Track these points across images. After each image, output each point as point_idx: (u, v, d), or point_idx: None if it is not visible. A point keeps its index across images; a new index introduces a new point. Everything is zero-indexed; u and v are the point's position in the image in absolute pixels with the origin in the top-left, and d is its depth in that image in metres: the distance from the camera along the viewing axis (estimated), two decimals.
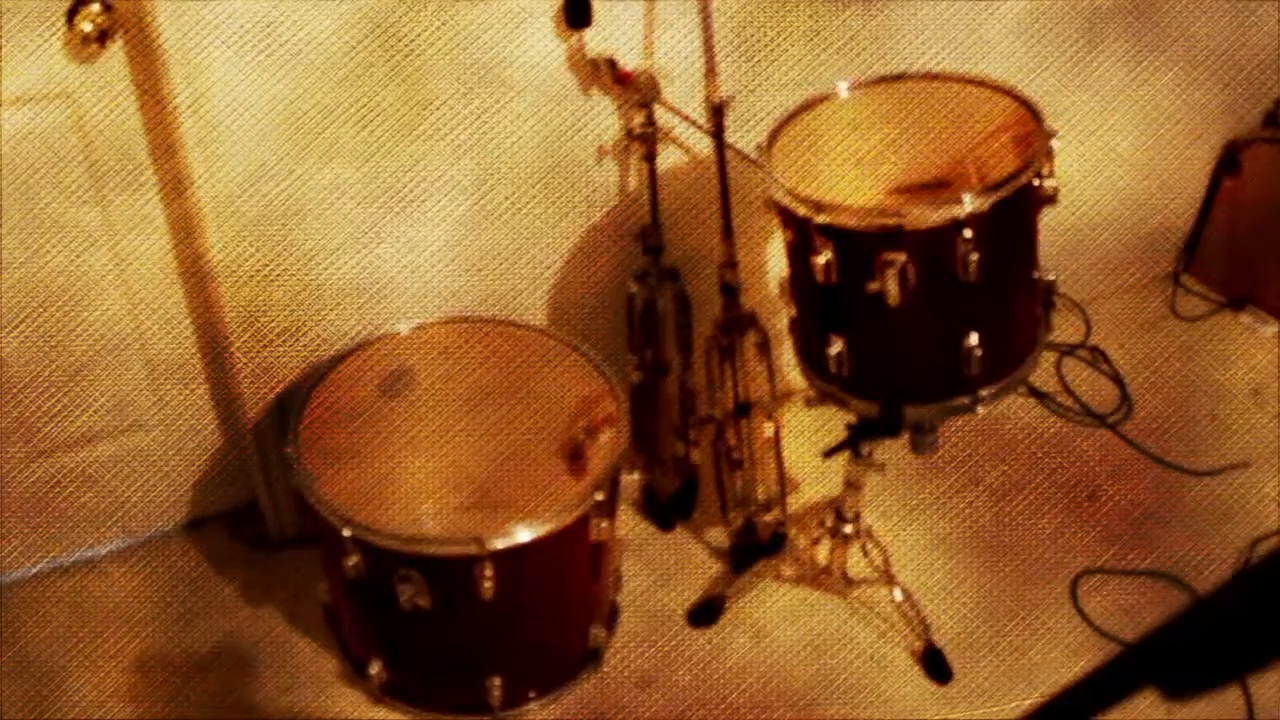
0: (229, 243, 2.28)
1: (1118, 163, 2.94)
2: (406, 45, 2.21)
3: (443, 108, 2.29)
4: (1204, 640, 0.93)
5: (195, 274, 2.36)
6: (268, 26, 2.11)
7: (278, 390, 2.43)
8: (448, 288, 2.46)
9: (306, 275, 2.35)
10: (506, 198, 2.43)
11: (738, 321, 2.38)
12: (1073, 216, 2.28)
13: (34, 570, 2.55)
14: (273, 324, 2.38)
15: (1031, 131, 2.07)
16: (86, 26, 2.09)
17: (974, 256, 1.95)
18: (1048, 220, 2.09)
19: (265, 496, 2.58)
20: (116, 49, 2.14)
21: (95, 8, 2.10)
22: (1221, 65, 2.93)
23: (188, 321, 2.43)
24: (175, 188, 2.26)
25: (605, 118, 2.42)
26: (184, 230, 2.31)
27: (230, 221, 2.26)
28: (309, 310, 2.39)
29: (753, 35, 2.41)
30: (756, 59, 2.43)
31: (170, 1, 2.03)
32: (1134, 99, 2.90)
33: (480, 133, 2.34)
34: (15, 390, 2.35)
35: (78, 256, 2.28)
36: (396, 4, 2.17)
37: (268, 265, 2.32)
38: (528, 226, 2.48)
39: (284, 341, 2.40)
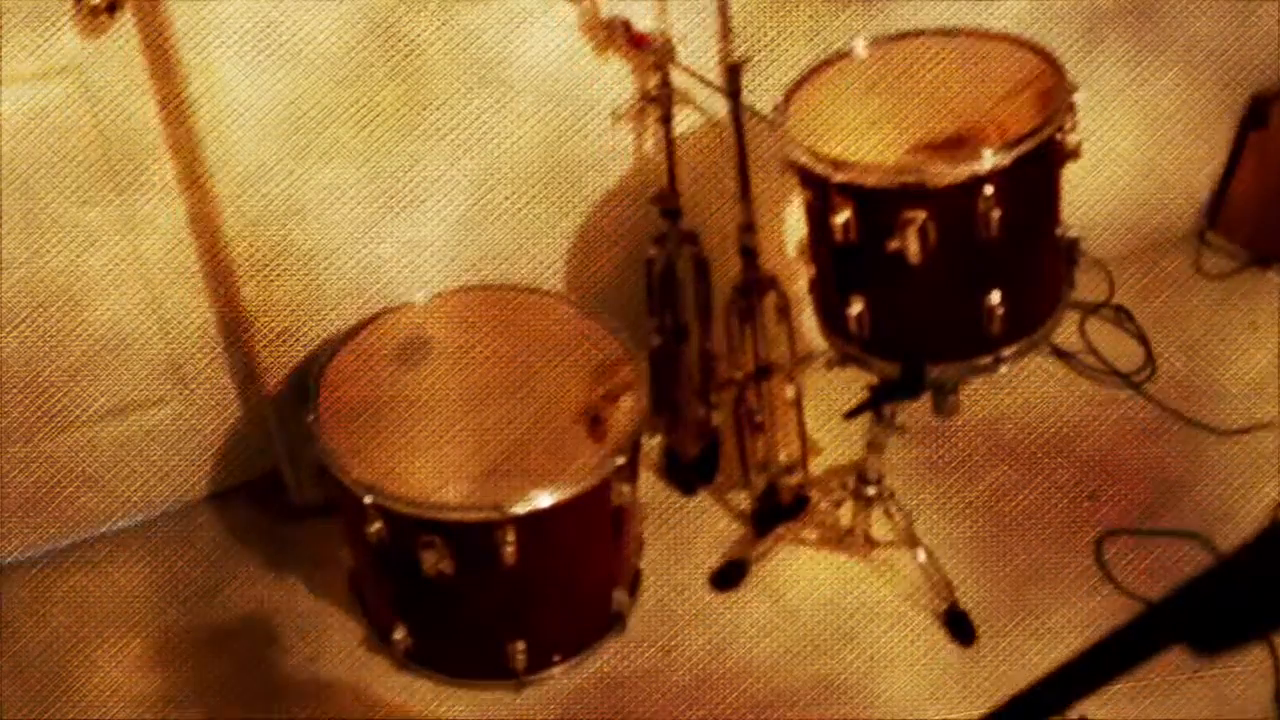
0: (229, 242, 2.28)
1: (1118, 162, 2.91)
2: (406, 45, 2.20)
3: (443, 108, 2.28)
4: (1230, 597, 0.92)
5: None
6: (268, 26, 2.10)
7: (297, 365, 2.44)
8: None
9: (306, 275, 2.35)
10: (507, 197, 2.43)
11: (757, 284, 2.37)
12: (1074, 216, 2.25)
13: (55, 546, 2.56)
14: (273, 324, 2.38)
15: (1053, 86, 2.04)
16: None
17: (995, 213, 1.92)
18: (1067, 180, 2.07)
19: (287, 466, 2.59)
20: (126, 21, 2.13)
21: None
22: (1222, 65, 2.90)
23: (188, 322, 2.43)
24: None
25: (620, 81, 2.40)
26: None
27: (230, 221, 2.26)
28: (309, 310, 2.39)
29: (753, 35, 2.39)
30: (756, 59, 2.41)
31: (168, 2, 2.03)
32: (1134, 99, 2.87)
33: (480, 132, 2.33)
34: (15, 390, 2.36)
35: (78, 256, 2.28)
36: (396, 4, 2.16)
37: (268, 265, 2.32)
38: (528, 226, 2.48)
39: (284, 341, 2.40)
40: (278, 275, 2.33)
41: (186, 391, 2.53)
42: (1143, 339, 2.93)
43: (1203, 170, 3.12)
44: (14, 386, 2.36)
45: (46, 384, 2.38)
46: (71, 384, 2.40)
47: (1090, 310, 2.99)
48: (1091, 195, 2.85)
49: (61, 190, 2.21)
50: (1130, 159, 2.94)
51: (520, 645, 2.07)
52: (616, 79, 2.40)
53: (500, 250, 2.48)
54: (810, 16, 2.45)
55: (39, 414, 2.41)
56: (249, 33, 2.09)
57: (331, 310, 2.39)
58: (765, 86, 2.25)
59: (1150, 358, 2.89)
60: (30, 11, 2.07)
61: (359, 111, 2.23)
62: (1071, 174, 2.07)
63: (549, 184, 2.45)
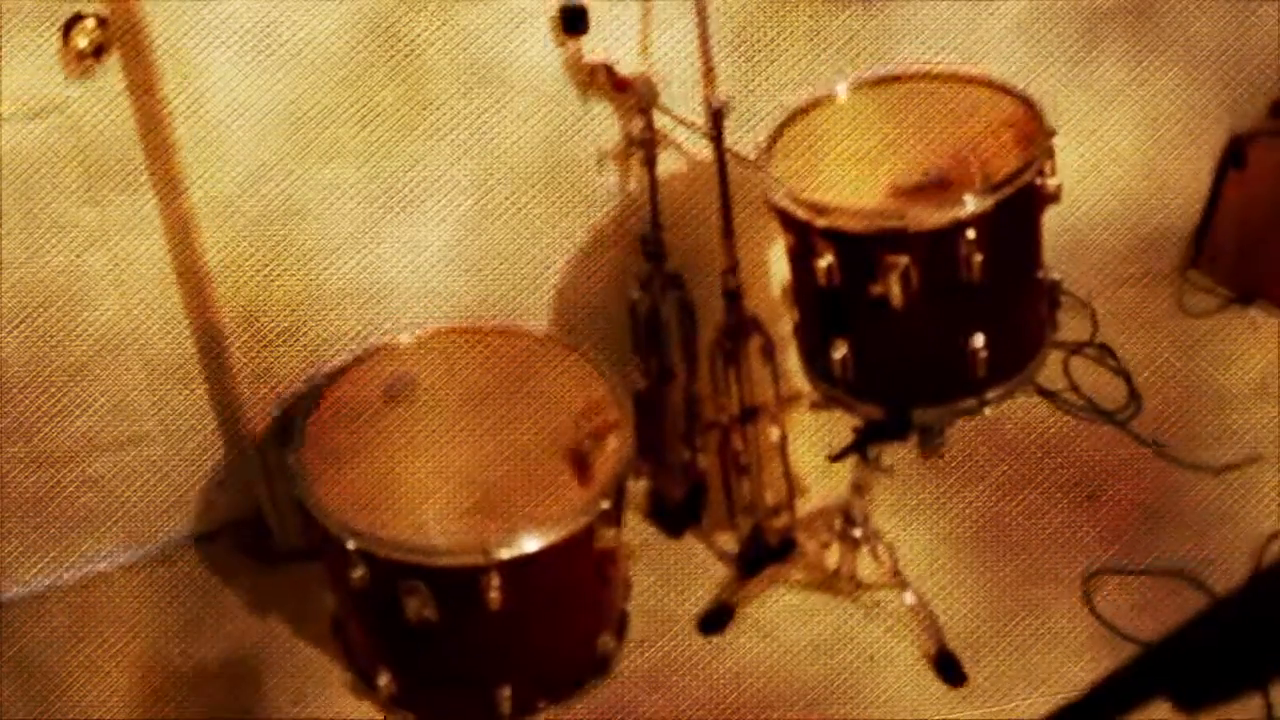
0: (229, 243, 2.28)
1: (1118, 163, 2.92)
2: (406, 45, 2.21)
3: (443, 108, 2.29)
4: (1220, 646, 0.92)
5: (195, 274, 2.35)
6: (268, 27, 2.11)
7: (279, 394, 2.43)
8: (448, 288, 2.46)
9: (306, 275, 2.35)
10: (507, 198, 2.43)
11: (741, 326, 2.37)
12: (1073, 216, 2.27)
13: (38, 582, 2.55)
14: (273, 324, 2.38)
15: (1033, 129, 2.06)
16: (82, 42, 2.09)
17: (977, 257, 1.93)
18: (1049, 220, 2.08)
19: (270, 508, 2.58)
20: (112, 63, 2.13)
21: (90, 23, 2.09)
22: (1222, 65, 2.91)
23: (187, 322, 2.42)
24: (174, 189, 2.25)
25: (604, 123, 2.41)
26: (184, 230, 2.30)
27: (230, 221, 2.26)
28: (309, 310, 2.38)
29: (753, 35, 2.41)
30: (756, 59, 2.42)
31: (167, 2, 2.03)
32: (1134, 99, 2.88)
33: (480, 133, 2.34)
34: (15, 390, 2.35)
35: (78, 257, 2.28)
36: (396, 4, 2.17)
37: (268, 265, 2.32)
38: (528, 226, 2.48)
39: (284, 341, 2.40)
40: (278, 275, 2.33)
41: (170, 430, 2.52)
42: (1126, 377, 2.94)
43: (1193, 187, 3.12)
44: (14, 386, 2.35)
45: (46, 384, 2.37)
46: (71, 384, 2.39)
47: (1074, 349, 3.00)
48: (1091, 195, 2.88)
49: (62, 190, 2.21)
50: (1130, 159, 2.95)
51: (506, 691, 2.05)
52: (599, 120, 2.41)
53: (500, 250, 2.48)
54: (810, 17, 2.47)
55: (39, 414, 2.40)
56: (249, 33, 2.10)
57: (331, 310, 2.39)
58: (750, 124, 2.26)
59: (1134, 395, 2.90)
60: (18, 53, 2.08)
61: (359, 112, 2.24)
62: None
63: (549, 184, 2.45)
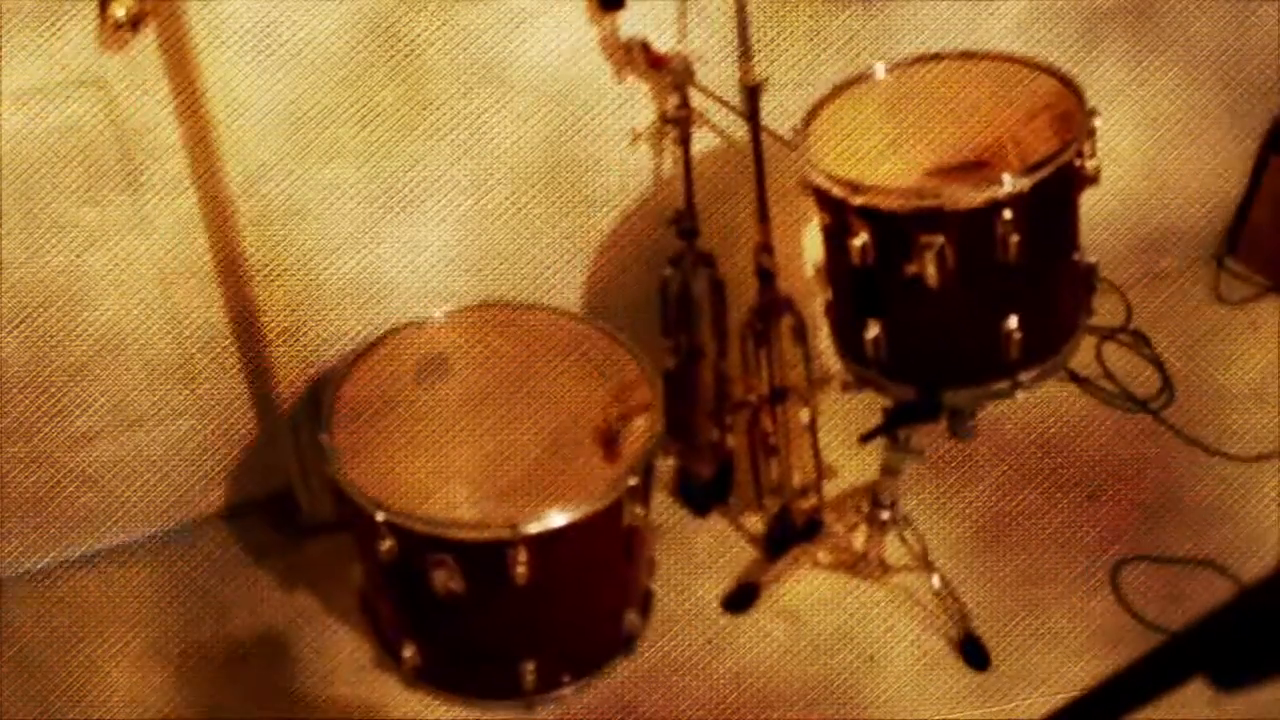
0: (229, 243, 2.28)
1: (1118, 163, 2.89)
2: (406, 45, 2.21)
3: (443, 108, 2.28)
4: (1254, 629, 0.91)
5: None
6: (268, 27, 2.10)
7: (310, 373, 2.44)
8: (448, 288, 2.45)
9: (306, 275, 2.35)
10: (507, 197, 2.42)
11: (773, 306, 2.36)
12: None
13: (67, 559, 2.56)
14: (273, 324, 2.38)
15: (1072, 110, 2.04)
16: (119, 12, 2.09)
17: (1014, 238, 1.91)
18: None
19: (300, 484, 2.59)
20: (149, 36, 2.14)
21: None
22: (1222, 65, 2.88)
23: (187, 322, 2.43)
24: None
25: (639, 100, 2.40)
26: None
27: (230, 221, 2.26)
28: (309, 310, 2.39)
29: (753, 35, 2.39)
30: (756, 59, 2.41)
31: (167, 2, 2.04)
32: (1134, 99, 2.85)
33: (481, 132, 2.33)
34: (15, 390, 2.36)
35: (78, 257, 2.28)
36: (396, 4, 2.16)
37: (268, 265, 2.32)
38: (528, 226, 2.47)
39: (284, 341, 2.40)
40: (278, 275, 2.33)
41: (200, 406, 2.53)
42: (1159, 364, 2.92)
43: (1209, 182, 3.09)
44: (14, 386, 2.36)
45: (46, 384, 2.38)
46: (72, 384, 2.40)
47: (1107, 335, 2.98)
48: (1091, 196, 2.84)
49: (62, 190, 2.21)
50: (1130, 159, 2.92)
51: (530, 665, 2.06)
52: (630, 96, 2.40)
53: (500, 250, 2.48)
54: (810, 16, 2.45)
55: (39, 414, 2.41)
56: (249, 33, 2.10)
57: (331, 310, 2.39)
58: (785, 107, 2.25)
59: (1167, 383, 2.87)
60: (51, 22, 2.08)
61: (359, 111, 2.23)
62: None
63: (549, 184, 2.45)
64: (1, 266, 2.23)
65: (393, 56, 2.21)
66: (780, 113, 2.19)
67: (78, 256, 2.28)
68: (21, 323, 2.30)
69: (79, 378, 2.40)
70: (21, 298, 2.28)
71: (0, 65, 2.07)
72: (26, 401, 2.38)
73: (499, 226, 2.45)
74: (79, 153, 2.19)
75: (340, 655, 2.38)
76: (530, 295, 2.52)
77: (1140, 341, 2.97)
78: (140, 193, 2.27)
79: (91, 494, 2.54)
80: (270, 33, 2.11)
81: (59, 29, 2.09)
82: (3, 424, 2.39)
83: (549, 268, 2.54)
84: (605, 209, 2.52)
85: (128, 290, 2.35)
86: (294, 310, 2.38)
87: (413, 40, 2.20)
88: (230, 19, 2.07)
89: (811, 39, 2.41)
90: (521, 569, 1.91)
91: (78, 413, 2.43)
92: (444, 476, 2.07)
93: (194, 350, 2.46)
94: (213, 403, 2.55)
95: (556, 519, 1.92)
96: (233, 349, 2.48)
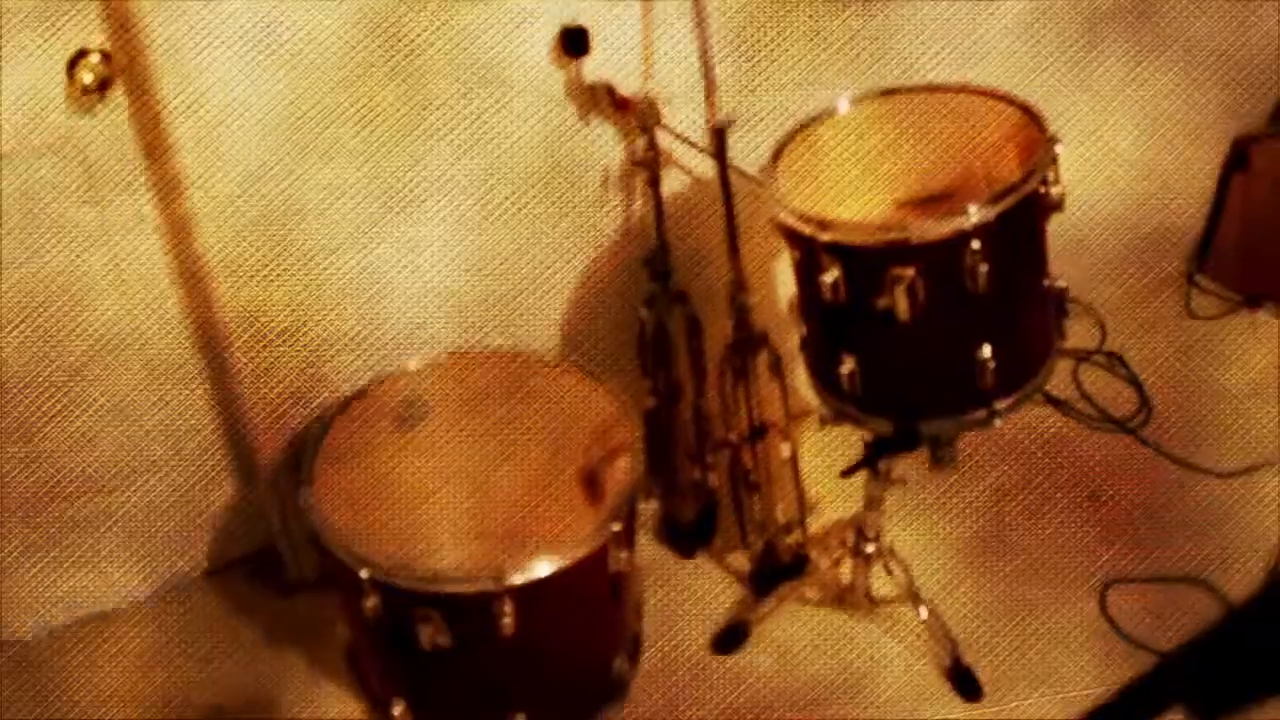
0: (229, 243, 2.27)
1: (1118, 163, 2.92)
2: (406, 45, 2.21)
3: (443, 108, 2.29)
4: (1238, 654, 0.91)
5: (195, 274, 2.35)
6: (268, 26, 2.11)
7: (291, 428, 2.43)
8: (448, 288, 2.46)
9: (306, 275, 2.35)
10: (507, 197, 2.43)
11: (749, 342, 2.36)
12: (1073, 217, 2.25)
13: (51, 619, 2.54)
14: (273, 324, 2.37)
15: (1035, 138, 2.06)
16: (86, 77, 2.10)
17: (983, 268, 1.93)
18: (1050, 222, 2.07)
19: (283, 540, 2.57)
20: (118, 98, 2.14)
21: (94, 58, 2.10)
22: (1222, 65, 2.90)
23: (187, 322, 2.42)
24: (174, 189, 2.25)
25: (607, 144, 2.42)
26: (184, 230, 2.30)
27: (230, 221, 2.26)
28: (309, 310, 2.38)
29: (753, 36, 2.41)
30: (757, 59, 2.42)
31: (167, 2, 2.04)
32: (1134, 99, 2.88)
33: (480, 133, 2.34)
34: (15, 390, 2.35)
35: (78, 257, 2.28)
36: (396, 4, 2.17)
37: (268, 265, 2.31)
38: (528, 227, 2.47)
39: (284, 341, 2.39)
40: (278, 275, 2.33)
41: (183, 464, 2.52)
42: (1136, 383, 2.93)
43: (1209, 183, 3.12)
44: (14, 386, 2.35)
45: (46, 384, 2.37)
46: (71, 384, 2.39)
47: (1082, 357, 2.99)
48: (1091, 196, 2.86)
49: (62, 190, 2.21)
50: (1130, 159, 2.94)
51: (521, 717, 2.04)
52: (602, 141, 2.41)
53: (500, 250, 2.48)
54: (810, 17, 2.47)
55: (39, 414, 2.40)
56: (249, 33, 2.10)
57: (331, 310, 2.39)
58: (751, 125, 2.26)
59: (1145, 401, 2.89)
60: (22, 88, 2.09)
61: (359, 111, 2.24)
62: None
63: (549, 184, 2.45)
64: (1, 266, 2.22)
65: (393, 56, 2.21)
66: (778, 119, 2.20)
67: (78, 256, 2.27)
68: (21, 323, 2.29)
69: (79, 378, 2.38)
70: (21, 298, 2.27)
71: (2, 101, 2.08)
72: (26, 401, 2.37)
73: (499, 226, 2.45)
74: (80, 153, 2.19)
75: (329, 714, 2.35)
76: (530, 295, 2.54)
77: (1116, 362, 2.99)
78: (140, 193, 2.26)
79: (107, 542, 2.53)
80: (270, 33, 2.12)
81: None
82: (3, 424, 2.37)
83: (549, 268, 2.54)
84: (605, 209, 2.52)
85: (128, 290, 2.34)
86: (294, 310, 2.37)
87: (413, 40, 2.21)
88: (230, 19, 2.08)
89: (811, 39, 2.42)
90: (508, 620, 1.90)
91: (78, 413, 2.42)
92: (427, 524, 2.06)
93: (194, 351, 2.45)
94: (194, 458, 2.54)
95: (541, 568, 1.91)
96: (233, 349, 2.45)
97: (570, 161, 2.43)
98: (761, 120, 2.22)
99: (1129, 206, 3.03)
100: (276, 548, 2.60)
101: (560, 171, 2.43)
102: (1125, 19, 2.78)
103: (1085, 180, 2.26)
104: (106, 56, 2.11)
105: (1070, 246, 2.73)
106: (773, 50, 2.42)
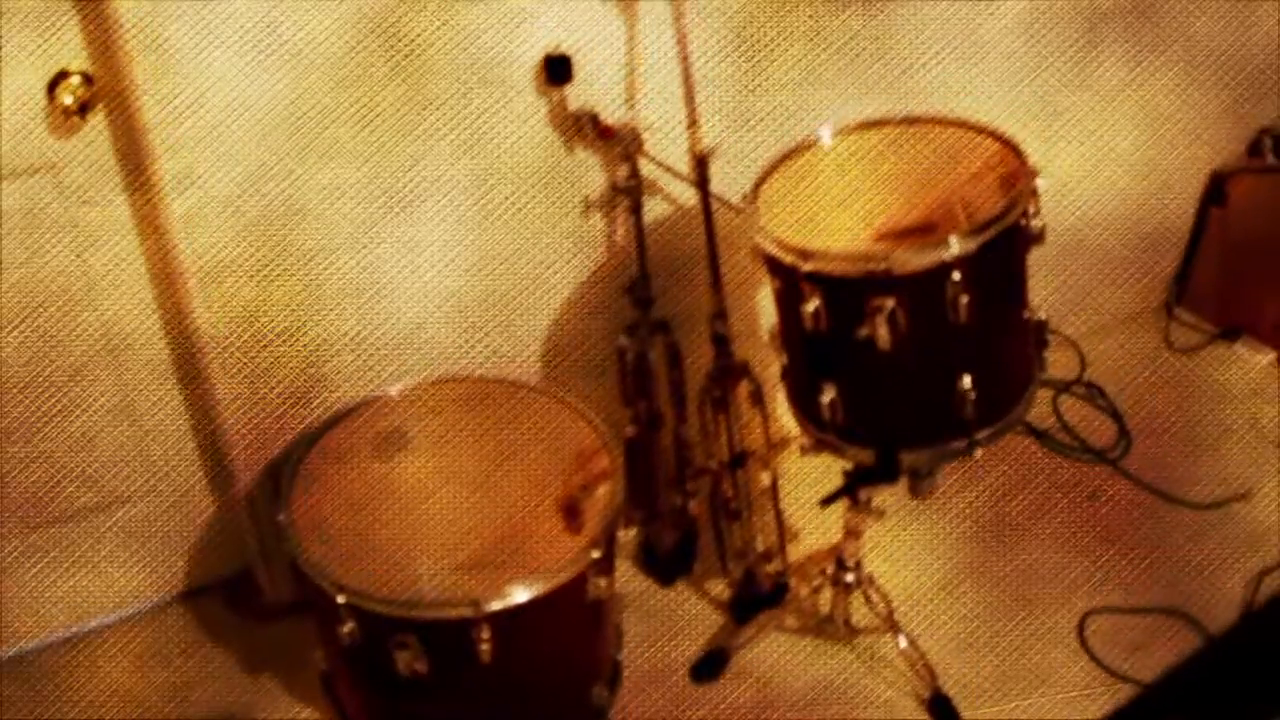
0: (229, 243, 2.27)
1: (1118, 163, 2.93)
2: (406, 45, 2.22)
3: (443, 108, 2.29)
4: (1218, 684, 0.91)
5: (195, 274, 2.33)
6: (268, 26, 2.12)
7: (269, 455, 2.42)
8: (447, 288, 2.46)
9: (306, 275, 2.35)
10: (506, 198, 2.43)
11: (730, 371, 2.37)
12: (1072, 216, 2.27)
13: (25, 645, 2.52)
14: (273, 324, 2.37)
15: (1016, 170, 2.07)
16: (67, 99, 2.10)
17: (964, 299, 1.94)
18: (1053, 224, 2.08)
19: (260, 564, 2.56)
20: (99, 120, 2.14)
21: (75, 80, 2.10)
22: (1222, 65, 2.92)
23: (187, 322, 2.39)
24: (173, 189, 2.24)
25: (590, 171, 2.43)
26: (184, 230, 2.28)
27: (230, 221, 2.25)
28: (309, 310, 2.38)
29: (753, 35, 2.42)
30: (757, 59, 2.43)
31: (167, 2, 2.04)
32: (1134, 99, 2.88)
33: (480, 133, 2.34)
34: (15, 390, 2.34)
35: (78, 257, 2.27)
36: (396, 4, 2.18)
37: (268, 265, 2.31)
38: (527, 227, 2.47)
39: (284, 341, 2.39)
40: (278, 275, 2.32)
41: (154, 487, 2.51)
42: (1116, 415, 2.95)
43: (1176, 225, 3.14)
44: (14, 386, 2.34)
45: (47, 384, 2.36)
46: (71, 384, 2.38)
47: (1062, 388, 3.01)
48: (1091, 196, 2.87)
49: (62, 190, 2.21)
50: (1130, 159, 2.95)
51: None
52: (585, 168, 2.42)
53: (500, 250, 2.47)
54: (810, 17, 2.48)
55: (39, 414, 2.38)
56: (249, 33, 2.11)
57: (331, 310, 2.38)
58: (751, 125, 2.26)
59: (1124, 433, 2.90)
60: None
61: (359, 112, 2.24)
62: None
63: (549, 184, 2.45)
64: (1, 266, 2.21)
65: (393, 56, 2.22)
66: (748, 163, 2.21)
67: (78, 256, 2.27)
68: (21, 323, 2.28)
69: (79, 378, 2.37)
70: (21, 298, 2.26)
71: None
72: (26, 401, 2.36)
73: (498, 227, 2.45)
74: (79, 153, 2.18)
75: None
76: (530, 295, 2.54)
77: (1095, 393, 3.00)
78: (140, 193, 2.25)
79: (82, 567, 2.51)
80: (270, 33, 2.12)
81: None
82: (3, 424, 2.36)
83: (549, 268, 2.54)
84: (605, 209, 2.52)
85: (128, 290, 2.34)
86: (294, 310, 2.36)
87: (413, 40, 2.21)
88: (230, 19, 2.09)
89: (811, 39, 2.43)
90: (485, 647, 1.89)
91: (78, 413, 2.41)
92: (406, 551, 2.05)
93: (194, 351, 2.42)
94: (168, 483, 2.52)
95: (519, 595, 1.91)
96: (232, 349, 2.43)
97: (571, 160, 2.44)
98: (761, 120, 2.22)
99: (1128, 206, 3.03)
100: (252, 571, 2.58)
101: (560, 170, 2.44)
102: (1125, 19, 2.79)
103: (1085, 180, 2.28)
104: (88, 78, 2.11)
105: (1070, 246, 2.74)
106: (773, 50, 2.42)
